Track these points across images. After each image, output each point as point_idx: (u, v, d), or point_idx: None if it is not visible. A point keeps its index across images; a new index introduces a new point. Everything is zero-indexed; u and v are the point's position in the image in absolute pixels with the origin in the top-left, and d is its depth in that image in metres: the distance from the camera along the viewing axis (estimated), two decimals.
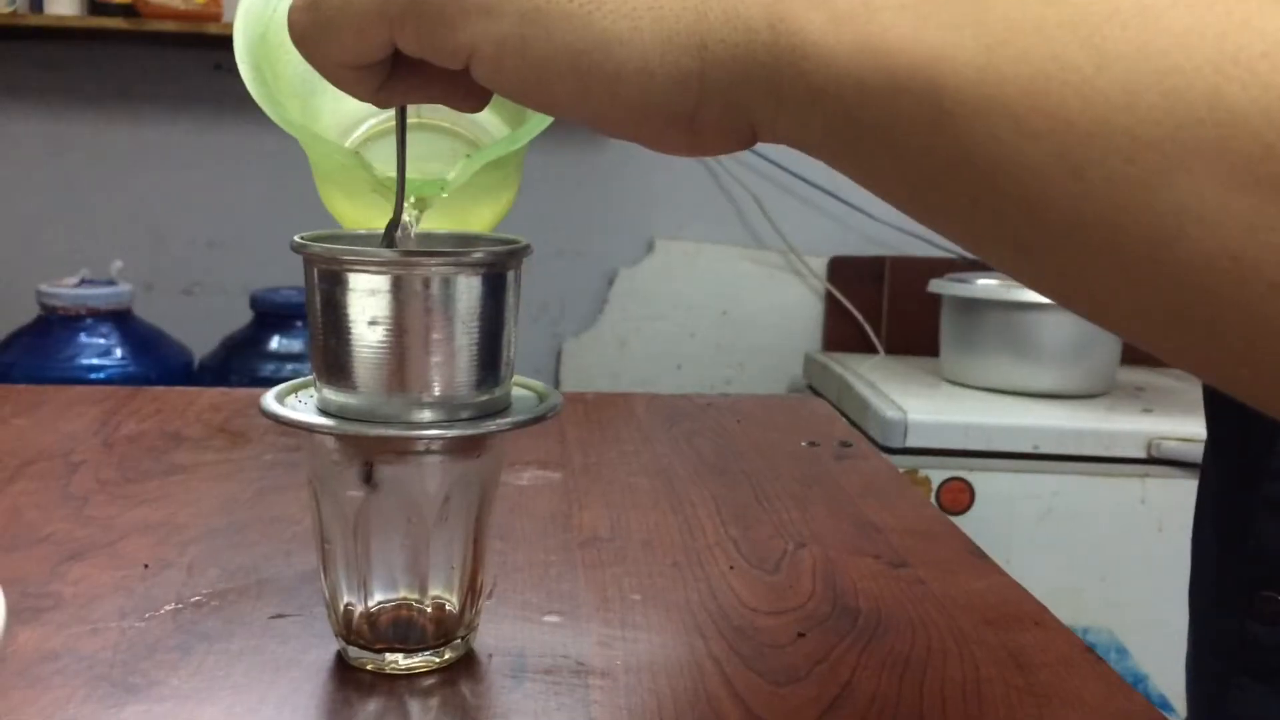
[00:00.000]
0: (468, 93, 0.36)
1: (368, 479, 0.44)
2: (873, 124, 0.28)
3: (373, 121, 0.50)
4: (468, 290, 0.43)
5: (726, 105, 0.30)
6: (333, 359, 0.43)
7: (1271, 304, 0.24)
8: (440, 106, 0.49)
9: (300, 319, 1.72)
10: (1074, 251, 0.26)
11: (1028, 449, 1.47)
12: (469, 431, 0.43)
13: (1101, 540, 1.49)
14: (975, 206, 0.27)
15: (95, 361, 1.69)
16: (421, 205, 0.46)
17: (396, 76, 0.36)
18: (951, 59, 0.26)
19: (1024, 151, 0.26)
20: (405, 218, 0.46)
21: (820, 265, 2.06)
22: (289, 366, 1.71)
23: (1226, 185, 0.24)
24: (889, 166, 0.28)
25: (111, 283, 1.75)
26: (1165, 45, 0.24)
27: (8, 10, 1.79)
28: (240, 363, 1.74)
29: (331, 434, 0.44)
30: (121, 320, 1.74)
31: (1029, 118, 0.25)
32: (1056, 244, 0.26)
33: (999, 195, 0.26)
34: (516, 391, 0.48)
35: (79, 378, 1.64)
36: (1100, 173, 0.25)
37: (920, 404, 1.52)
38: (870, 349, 2.01)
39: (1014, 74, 0.26)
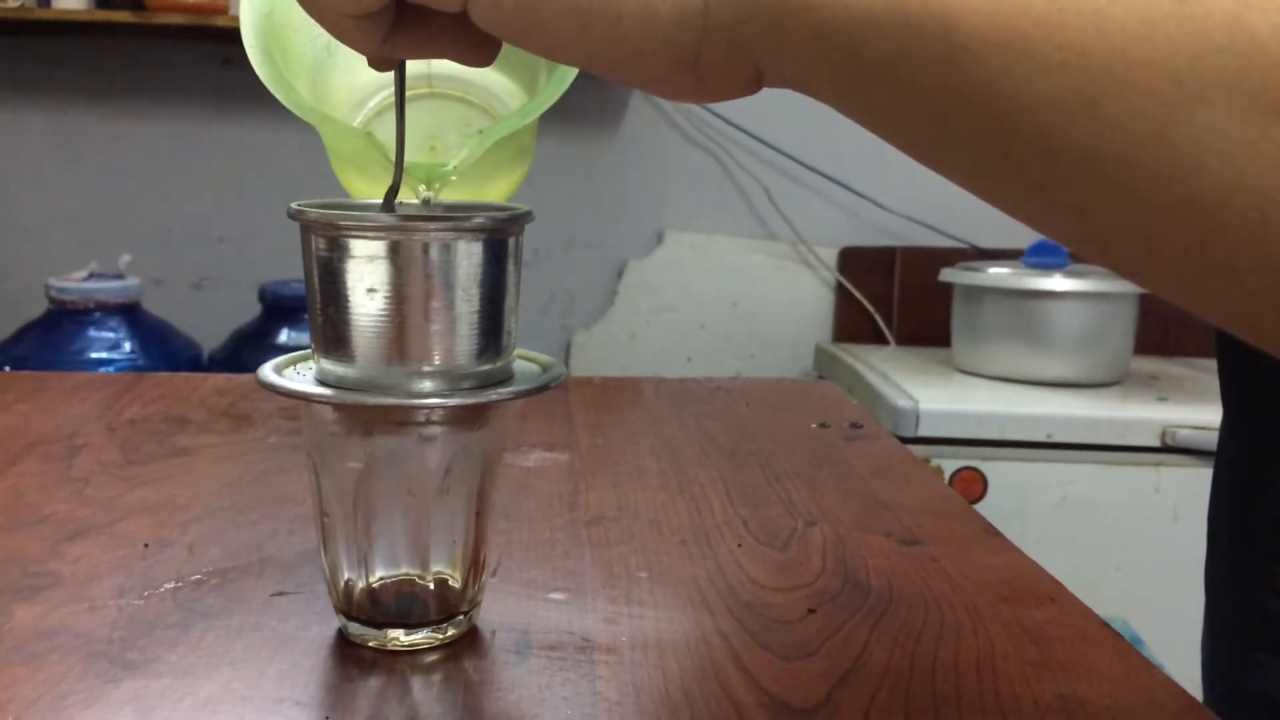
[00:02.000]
0: (473, 44, 0.35)
1: None
2: (881, 62, 0.27)
3: (384, 94, 0.49)
4: (468, 256, 0.42)
5: (731, 44, 0.29)
6: (331, 329, 0.43)
7: None
8: (452, 74, 0.48)
9: None
10: (1088, 189, 0.25)
11: (1041, 438, 1.46)
12: (470, 400, 0.42)
13: (1116, 529, 1.47)
14: (987, 144, 0.26)
15: (104, 355, 1.68)
16: (439, 186, 0.45)
17: (400, 29, 0.35)
18: None
19: (1037, 86, 0.25)
20: (426, 193, 0.45)
21: (830, 256, 2.05)
22: None
23: (1247, 117, 0.23)
24: (897, 106, 0.27)
25: (120, 276, 1.74)
26: None
27: (14, 5, 1.79)
28: (249, 356, 1.74)
29: (330, 403, 0.43)
30: (130, 314, 1.73)
31: (1042, 51, 0.24)
32: (1070, 181, 0.25)
33: (1011, 132, 0.25)
34: (519, 364, 0.47)
35: (88, 371, 1.64)
36: (1116, 106, 0.24)
37: (932, 393, 1.51)
38: (881, 340, 1.99)
39: (1026, 6, 0.25)
